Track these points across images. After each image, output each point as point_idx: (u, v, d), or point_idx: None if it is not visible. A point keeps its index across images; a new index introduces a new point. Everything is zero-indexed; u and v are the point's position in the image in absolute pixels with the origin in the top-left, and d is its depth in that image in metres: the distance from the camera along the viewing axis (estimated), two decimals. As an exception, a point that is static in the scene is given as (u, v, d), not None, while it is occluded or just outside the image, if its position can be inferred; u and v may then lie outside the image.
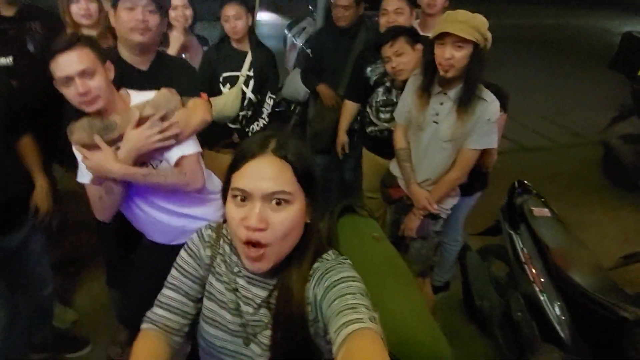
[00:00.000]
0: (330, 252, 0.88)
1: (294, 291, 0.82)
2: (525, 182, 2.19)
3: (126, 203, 1.48)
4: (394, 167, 2.10)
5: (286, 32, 3.70)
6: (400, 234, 2.06)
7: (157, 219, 1.51)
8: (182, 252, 0.95)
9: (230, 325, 0.90)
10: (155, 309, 0.93)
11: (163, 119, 1.34)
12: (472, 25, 1.63)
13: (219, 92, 2.27)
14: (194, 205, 1.53)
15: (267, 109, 2.38)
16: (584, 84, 6.84)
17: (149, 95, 1.39)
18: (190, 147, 1.44)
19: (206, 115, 1.50)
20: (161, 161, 1.42)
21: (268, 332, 0.86)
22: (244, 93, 2.29)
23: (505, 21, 11.22)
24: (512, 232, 2.06)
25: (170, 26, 2.18)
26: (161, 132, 1.33)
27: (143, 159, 1.38)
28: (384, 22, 2.30)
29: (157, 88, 1.40)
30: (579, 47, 9.61)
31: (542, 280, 1.82)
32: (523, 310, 1.89)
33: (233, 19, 2.18)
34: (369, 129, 2.34)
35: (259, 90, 2.34)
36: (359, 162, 2.55)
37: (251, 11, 2.36)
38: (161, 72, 1.54)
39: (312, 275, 0.84)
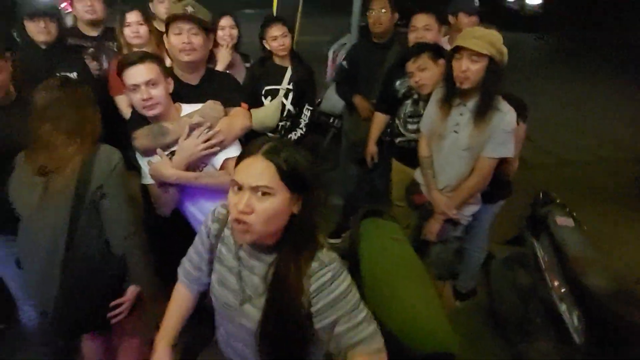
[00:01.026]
0: (325, 252, 1.05)
1: (289, 276, 1.01)
2: (550, 192, 2.22)
3: (181, 202, 1.75)
4: (417, 174, 2.23)
5: (328, 49, 3.93)
6: (422, 237, 2.17)
7: (204, 214, 1.76)
8: (202, 225, 1.22)
9: (232, 285, 1.13)
10: (182, 264, 1.29)
11: (209, 128, 1.60)
12: (487, 40, 1.75)
13: (261, 104, 2.52)
14: None
15: (304, 119, 2.60)
16: (627, 98, 6.53)
17: (197, 107, 1.67)
18: (233, 151, 1.69)
19: (246, 121, 1.76)
20: (206, 165, 1.67)
21: (263, 299, 1.06)
22: (283, 105, 2.52)
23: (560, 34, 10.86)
24: (534, 241, 2.11)
25: (217, 45, 2.45)
26: (208, 140, 1.59)
27: (194, 164, 1.64)
28: (413, 38, 2.44)
29: (206, 100, 1.67)
30: (623, 59, 9.06)
31: (561, 287, 1.86)
32: (542, 317, 1.92)
33: (281, 37, 2.43)
34: (397, 140, 2.48)
35: (297, 103, 2.56)
36: (388, 173, 2.67)
37: (292, 30, 2.62)
38: (209, 86, 1.80)
39: (312, 275, 1.02)
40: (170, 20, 1.72)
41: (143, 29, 2.32)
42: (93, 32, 2.46)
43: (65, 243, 1.47)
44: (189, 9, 1.70)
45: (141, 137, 1.62)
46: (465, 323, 2.48)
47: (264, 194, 0.96)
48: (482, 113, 1.83)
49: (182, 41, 1.69)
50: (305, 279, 1.01)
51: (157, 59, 1.62)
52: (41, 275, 1.52)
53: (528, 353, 1.82)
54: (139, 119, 1.66)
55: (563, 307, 1.81)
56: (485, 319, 2.49)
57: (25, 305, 1.95)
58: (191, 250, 1.26)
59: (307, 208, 1.03)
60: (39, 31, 2.13)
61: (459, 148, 1.94)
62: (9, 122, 1.66)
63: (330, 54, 3.88)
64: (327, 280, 1.01)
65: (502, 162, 1.97)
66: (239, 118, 1.72)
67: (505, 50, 1.79)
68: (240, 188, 0.98)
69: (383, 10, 2.66)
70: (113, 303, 1.54)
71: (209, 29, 1.79)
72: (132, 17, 2.30)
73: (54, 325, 1.59)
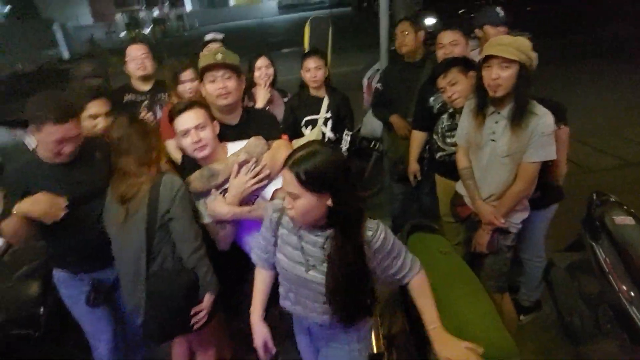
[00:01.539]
0: (370, 221, 1.36)
1: (342, 246, 1.31)
2: (604, 192, 2.11)
3: (237, 234, 1.90)
4: (459, 186, 2.23)
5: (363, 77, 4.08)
6: (472, 250, 2.15)
7: None
8: (265, 219, 1.52)
9: (297, 258, 1.42)
10: (253, 252, 1.60)
11: (255, 163, 1.75)
12: (515, 46, 1.78)
13: (302, 134, 2.67)
14: None
15: (344, 145, 2.71)
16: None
17: (241, 144, 1.83)
18: (280, 182, 1.78)
19: (289, 152, 1.88)
20: (257, 197, 1.82)
21: (324, 265, 1.36)
22: (323, 133, 2.66)
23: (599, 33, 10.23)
24: (593, 244, 2.00)
25: (255, 84, 2.64)
26: (256, 175, 1.74)
27: (246, 199, 1.79)
28: (441, 54, 2.50)
29: (247, 137, 1.83)
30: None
31: (628, 288, 1.74)
32: (612, 322, 1.80)
33: (314, 70, 2.58)
34: (437, 155, 2.50)
35: (336, 129, 2.68)
36: (433, 189, 2.68)
37: (326, 62, 2.76)
38: (248, 124, 1.96)
39: (370, 241, 1.33)
40: (204, 70, 1.91)
41: (194, 85, 2.50)
42: (145, 87, 2.76)
43: (145, 259, 1.74)
44: (219, 56, 1.89)
45: (194, 181, 1.79)
46: (534, 338, 2.36)
47: (294, 198, 1.28)
48: (518, 119, 1.83)
49: (217, 87, 1.87)
50: (365, 248, 1.32)
51: (203, 105, 1.81)
52: (131, 285, 1.80)
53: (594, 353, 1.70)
54: (190, 163, 1.85)
55: (633, 310, 1.69)
56: (555, 333, 2.35)
57: (97, 341, 2.05)
58: (259, 238, 1.55)
59: (338, 201, 1.28)
60: None
61: (499, 155, 1.94)
62: (76, 176, 1.81)
63: (365, 81, 4.01)
64: (381, 241, 1.34)
65: (550, 165, 1.94)
66: (281, 150, 1.85)
67: (534, 55, 1.80)
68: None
69: (406, 33, 2.78)
70: (194, 310, 1.76)
71: (240, 71, 1.96)
72: (186, 75, 2.48)
73: (144, 330, 1.83)
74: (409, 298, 1.48)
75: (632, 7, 9.93)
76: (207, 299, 1.78)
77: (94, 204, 1.87)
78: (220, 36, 3.02)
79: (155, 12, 27.92)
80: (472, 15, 2.76)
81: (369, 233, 1.33)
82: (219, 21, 33.18)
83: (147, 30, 25.82)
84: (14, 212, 1.63)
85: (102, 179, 1.86)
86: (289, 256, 1.44)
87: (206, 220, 1.84)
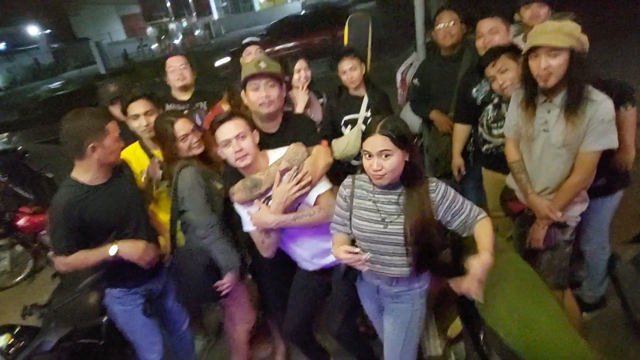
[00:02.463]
0: (430, 178, 1.63)
1: (418, 195, 1.58)
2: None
3: (282, 241, 1.92)
4: (510, 180, 2.13)
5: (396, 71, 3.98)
6: (527, 246, 2.04)
7: (304, 249, 1.94)
8: (337, 196, 1.74)
9: (375, 217, 1.63)
10: (332, 227, 1.76)
11: (296, 171, 1.75)
12: (564, 32, 1.67)
13: (341, 134, 2.64)
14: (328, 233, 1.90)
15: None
16: None
17: (281, 151, 1.82)
18: (322, 186, 1.83)
19: (329, 158, 1.89)
20: (300, 204, 1.82)
21: (401, 219, 1.59)
22: (363, 132, 2.62)
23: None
24: (666, 235, 1.85)
25: (291, 87, 2.62)
26: (298, 183, 1.74)
27: (290, 206, 1.78)
28: (481, 44, 2.38)
29: (286, 144, 1.82)
30: None
31: None
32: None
33: (350, 71, 2.54)
34: (484, 148, 2.41)
35: None
36: (479, 183, 2.59)
37: (364, 60, 2.71)
38: (287, 131, 1.95)
39: (432, 192, 1.59)
40: (247, 79, 1.92)
41: (146, 120, 2.37)
42: (185, 96, 2.84)
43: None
44: (262, 65, 1.90)
45: (238, 192, 1.81)
46: (600, 337, 2.23)
47: (386, 155, 1.51)
48: (574, 107, 1.72)
49: (261, 95, 1.87)
50: (432, 196, 1.58)
51: (243, 115, 1.83)
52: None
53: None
54: (232, 172, 1.86)
55: None
56: (623, 331, 2.20)
57: (150, 353, 2.14)
58: (335, 216, 1.75)
59: (412, 155, 1.57)
60: (118, 114, 2.46)
61: (554, 147, 1.83)
62: (116, 193, 1.93)
63: (399, 76, 3.90)
64: (442, 191, 1.59)
65: (617, 150, 1.83)
66: (321, 156, 1.84)
67: (585, 38, 1.69)
68: (370, 155, 1.54)
69: (452, 23, 2.64)
70: (215, 285, 2.04)
71: (282, 79, 1.97)
72: (135, 108, 2.35)
73: (177, 297, 2.25)
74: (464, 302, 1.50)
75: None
76: (227, 277, 2.04)
77: (138, 214, 2.01)
78: (257, 39, 3.04)
79: (184, 23, 28.73)
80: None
81: (432, 185, 1.60)
82: (245, 26, 33.69)
83: (177, 41, 26.61)
84: (111, 254, 1.85)
85: (137, 192, 2.06)
86: (366, 218, 1.65)
87: (249, 228, 1.86)
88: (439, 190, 1.59)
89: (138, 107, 2.20)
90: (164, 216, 2.21)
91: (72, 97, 8.43)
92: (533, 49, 1.73)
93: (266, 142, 1.89)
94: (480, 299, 1.48)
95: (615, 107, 1.82)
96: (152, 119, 2.18)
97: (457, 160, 2.66)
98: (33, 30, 22.39)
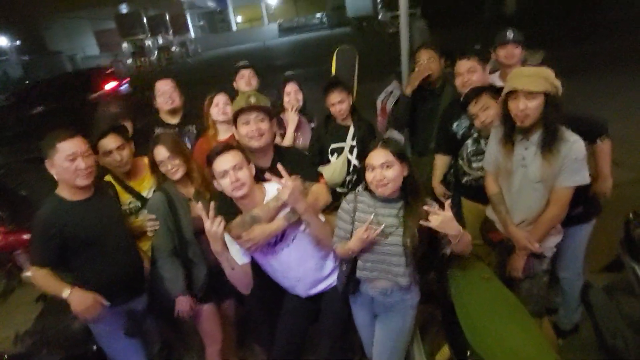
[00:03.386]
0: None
1: (416, 209, 1.73)
2: (640, 211, 2.10)
3: (273, 274, 1.98)
4: (489, 212, 2.23)
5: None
6: (507, 275, 2.13)
7: (299, 278, 1.99)
8: (340, 210, 1.90)
9: (374, 228, 1.73)
10: (335, 244, 1.88)
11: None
12: (540, 77, 1.80)
13: (328, 161, 2.69)
14: (322, 260, 1.97)
15: (369, 173, 2.74)
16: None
17: (277, 184, 1.83)
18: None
19: (328, 198, 2.01)
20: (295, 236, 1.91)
21: (400, 229, 1.75)
22: (349, 160, 2.68)
23: (613, 43, 10.29)
24: (635, 265, 1.98)
25: (283, 109, 2.70)
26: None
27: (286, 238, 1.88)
28: (460, 83, 2.51)
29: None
30: None
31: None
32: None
33: (338, 104, 2.61)
34: (464, 180, 2.51)
35: (361, 157, 2.68)
36: (459, 212, 2.67)
37: (351, 91, 2.79)
38: (281, 165, 1.96)
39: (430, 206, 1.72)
40: (237, 114, 1.96)
41: (229, 108, 2.60)
42: (173, 120, 2.85)
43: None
44: (252, 99, 1.96)
45: (236, 228, 1.83)
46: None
47: (387, 166, 1.71)
48: (549, 146, 1.84)
49: (251, 129, 1.92)
50: (425, 212, 1.68)
51: (239, 148, 1.86)
52: None
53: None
54: (227, 202, 1.87)
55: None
56: (597, 357, 2.30)
57: None
58: (337, 230, 1.88)
59: (410, 170, 1.76)
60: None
61: (532, 181, 1.94)
62: (97, 211, 1.96)
63: (379, 103, 4.00)
64: (436, 208, 1.70)
65: (595, 180, 1.99)
66: (322, 196, 1.95)
67: (558, 83, 1.82)
68: (373, 168, 1.74)
69: (431, 60, 2.78)
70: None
71: (271, 113, 2.02)
72: (220, 98, 2.60)
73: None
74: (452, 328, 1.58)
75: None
76: (177, 302, 2.10)
77: (119, 233, 2.04)
78: (248, 63, 3.12)
79: (160, 40, 28.55)
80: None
81: (427, 201, 1.75)
82: (222, 46, 33.86)
83: (153, 58, 26.37)
84: (64, 296, 1.86)
85: (119, 212, 2.11)
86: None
87: (241, 260, 1.89)
88: (433, 206, 1.72)
89: (109, 142, 2.18)
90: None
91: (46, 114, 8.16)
92: (512, 91, 1.86)
93: (260, 176, 1.91)
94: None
95: (591, 141, 1.97)
96: (125, 152, 2.18)
97: (438, 189, 2.75)
98: (2, 41, 21.73)
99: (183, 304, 2.10)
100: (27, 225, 3.39)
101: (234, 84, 3.01)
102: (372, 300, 1.92)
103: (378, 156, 1.73)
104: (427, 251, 1.80)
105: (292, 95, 2.73)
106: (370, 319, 2.00)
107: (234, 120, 1.98)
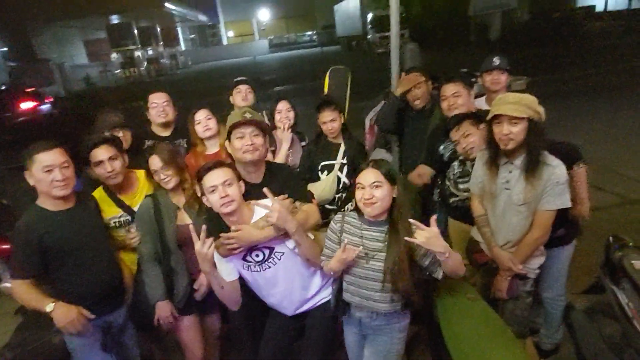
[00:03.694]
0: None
1: (399, 235, 1.72)
2: (621, 235, 2.16)
3: (260, 293, 1.98)
4: (475, 233, 2.27)
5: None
6: (492, 296, 2.16)
7: (285, 295, 1.98)
8: (329, 231, 1.91)
9: (360, 252, 1.75)
10: (323, 263, 1.87)
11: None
12: (523, 104, 1.87)
13: (318, 178, 2.72)
14: (309, 279, 1.96)
15: (358, 191, 2.76)
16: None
17: (266, 203, 1.82)
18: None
19: (319, 219, 2.02)
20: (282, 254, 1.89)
21: (383, 254, 1.75)
22: (339, 178, 2.70)
23: (591, 71, 10.71)
24: (615, 288, 2.03)
25: (274, 127, 2.72)
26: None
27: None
28: (445, 106, 2.59)
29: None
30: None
31: (653, 336, 1.76)
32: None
33: (330, 122, 2.65)
34: (450, 201, 2.55)
35: (351, 175, 2.70)
36: (445, 231, 2.70)
37: (343, 110, 2.84)
38: (272, 182, 1.98)
39: (414, 231, 1.69)
40: (232, 128, 1.98)
41: (212, 122, 2.63)
42: (165, 133, 2.84)
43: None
44: (248, 115, 1.98)
45: (223, 247, 1.82)
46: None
47: (377, 186, 1.73)
48: (532, 170, 1.90)
49: (245, 143, 1.93)
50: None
51: (230, 165, 1.87)
52: None
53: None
54: (215, 219, 1.87)
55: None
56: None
57: None
58: (325, 249, 1.89)
59: (399, 193, 1.78)
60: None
61: (515, 204, 1.99)
62: (78, 221, 1.95)
63: (367, 122, 4.06)
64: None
65: (574, 203, 2.04)
66: (313, 215, 1.95)
67: (541, 109, 1.89)
68: (362, 187, 1.76)
69: (418, 85, 2.84)
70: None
71: (266, 130, 2.05)
72: (200, 115, 2.62)
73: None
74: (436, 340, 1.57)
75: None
76: (156, 308, 2.11)
77: (99, 245, 2.02)
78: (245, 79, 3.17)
79: (150, 52, 28.56)
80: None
81: (413, 227, 1.71)
82: (212, 59, 34.04)
83: (142, 69, 26.30)
84: (47, 310, 1.83)
85: (99, 224, 2.09)
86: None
87: (228, 278, 1.89)
88: (419, 235, 1.68)
89: (101, 153, 2.14)
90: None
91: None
92: (496, 116, 1.92)
93: (250, 192, 1.92)
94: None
95: (569, 167, 2.03)
96: (117, 164, 2.16)
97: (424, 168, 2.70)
98: (-12, 46, 21.50)
99: (163, 309, 2.11)
100: (6, 234, 3.30)
101: (231, 98, 3.05)
102: (360, 322, 1.93)
103: (368, 176, 1.75)
104: (408, 281, 1.74)
105: (283, 113, 2.77)
106: (359, 339, 2.00)
107: (228, 134, 1.99)
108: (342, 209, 2.75)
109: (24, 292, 1.85)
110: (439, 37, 20.56)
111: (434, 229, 1.65)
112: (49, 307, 1.84)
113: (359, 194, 1.77)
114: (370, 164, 1.78)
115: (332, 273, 1.82)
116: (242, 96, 3.00)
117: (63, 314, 1.85)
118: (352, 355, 2.06)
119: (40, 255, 1.85)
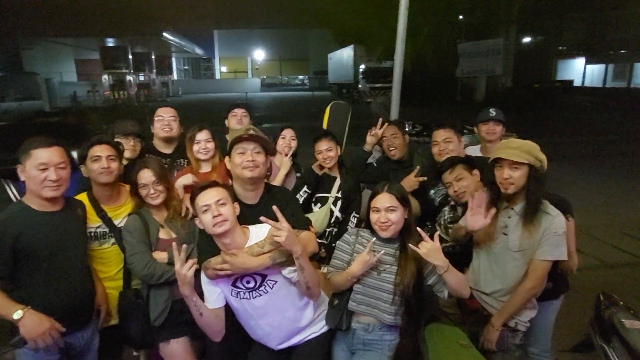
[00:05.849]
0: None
1: (409, 252, 1.82)
2: (610, 294, 2.16)
3: (246, 324, 1.87)
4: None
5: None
6: (480, 347, 2.08)
7: (274, 327, 1.86)
8: (342, 242, 2.01)
9: (370, 266, 1.84)
10: (329, 274, 1.97)
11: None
12: (524, 150, 1.90)
13: (310, 210, 2.64)
14: (301, 311, 1.87)
15: (350, 226, 2.68)
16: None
17: (263, 228, 1.76)
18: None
19: (316, 247, 1.94)
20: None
21: (394, 267, 1.85)
22: (332, 211, 2.64)
23: (574, 138, 11.30)
24: (605, 346, 1.99)
25: (275, 152, 2.66)
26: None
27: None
28: (436, 151, 2.62)
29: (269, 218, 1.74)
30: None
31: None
32: None
33: (326, 151, 2.61)
34: (441, 246, 2.52)
35: (344, 210, 2.66)
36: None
37: (340, 143, 2.83)
38: (269, 204, 1.89)
39: None
40: (234, 142, 1.93)
41: (211, 145, 2.56)
42: (167, 150, 2.77)
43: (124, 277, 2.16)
44: (251, 132, 1.95)
45: (212, 268, 1.72)
46: None
47: (392, 210, 1.84)
48: (531, 217, 1.90)
49: (246, 159, 1.87)
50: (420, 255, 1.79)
51: (224, 185, 1.81)
52: None
53: None
54: (207, 241, 1.78)
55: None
56: None
57: None
58: (334, 261, 1.99)
59: (409, 214, 1.89)
60: (127, 148, 2.48)
61: (510, 250, 1.97)
62: (62, 225, 1.84)
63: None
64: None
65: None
66: (311, 242, 1.87)
67: (543, 157, 1.93)
68: (378, 211, 1.86)
69: (394, 135, 2.85)
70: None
71: (269, 149, 2.00)
72: (202, 135, 2.54)
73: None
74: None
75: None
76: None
77: (75, 255, 1.89)
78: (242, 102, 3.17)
79: (141, 77, 28.72)
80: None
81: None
82: (203, 92, 34.45)
83: (132, 92, 26.31)
84: (14, 318, 1.66)
85: (81, 232, 1.97)
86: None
87: (212, 305, 1.79)
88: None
89: (101, 149, 2.09)
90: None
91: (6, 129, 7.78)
92: (498, 160, 1.94)
93: (246, 213, 1.85)
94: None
95: None
96: (114, 165, 2.10)
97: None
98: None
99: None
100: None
101: (226, 122, 3.03)
102: (353, 334, 1.94)
103: (384, 200, 1.85)
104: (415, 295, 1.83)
105: (287, 139, 2.75)
106: (348, 357, 1.99)
107: (229, 151, 1.93)
108: (333, 245, 2.67)
109: None
110: (427, 94, 21.52)
111: (436, 243, 1.78)
112: (17, 314, 1.66)
113: (374, 216, 1.87)
114: (385, 187, 1.86)
115: (350, 278, 1.86)
116: (237, 119, 3.00)
117: (34, 324, 1.67)
118: None
119: (12, 255, 1.70)
